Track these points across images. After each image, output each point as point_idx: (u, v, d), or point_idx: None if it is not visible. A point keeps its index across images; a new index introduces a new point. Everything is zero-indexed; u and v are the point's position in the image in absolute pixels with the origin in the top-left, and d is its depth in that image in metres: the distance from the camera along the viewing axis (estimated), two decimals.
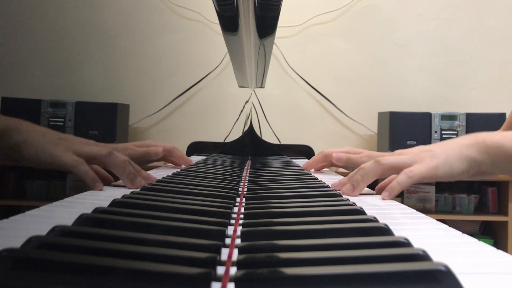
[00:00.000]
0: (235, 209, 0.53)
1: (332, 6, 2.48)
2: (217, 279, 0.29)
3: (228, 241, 0.39)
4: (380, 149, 2.33)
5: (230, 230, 0.43)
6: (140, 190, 0.61)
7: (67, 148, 0.63)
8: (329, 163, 1.04)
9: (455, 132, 2.14)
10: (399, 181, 0.61)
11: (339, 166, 1.07)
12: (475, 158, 0.65)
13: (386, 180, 0.72)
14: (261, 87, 1.51)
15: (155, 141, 0.99)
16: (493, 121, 2.12)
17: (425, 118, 2.16)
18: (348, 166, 0.97)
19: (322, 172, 1.09)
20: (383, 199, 0.65)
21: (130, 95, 2.47)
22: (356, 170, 0.70)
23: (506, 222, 2.12)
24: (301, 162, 1.26)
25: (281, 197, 0.61)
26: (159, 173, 0.88)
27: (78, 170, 0.61)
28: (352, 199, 0.62)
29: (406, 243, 0.34)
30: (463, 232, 0.43)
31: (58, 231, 0.34)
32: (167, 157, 1.02)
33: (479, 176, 0.70)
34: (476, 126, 2.13)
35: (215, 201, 0.53)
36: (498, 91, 2.47)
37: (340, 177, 0.98)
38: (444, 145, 0.66)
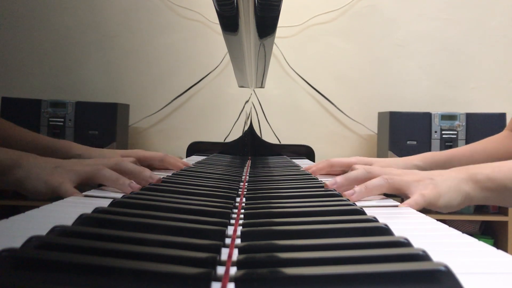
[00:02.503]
0: (235, 209, 0.53)
1: (332, 6, 2.47)
2: (217, 279, 0.29)
3: (228, 241, 0.39)
4: (380, 149, 2.33)
5: (230, 230, 0.43)
6: (140, 190, 0.61)
7: (61, 175, 0.66)
8: (334, 172, 1.00)
9: (455, 132, 2.13)
10: (417, 201, 0.63)
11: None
12: (469, 193, 0.67)
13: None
14: (261, 87, 1.51)
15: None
16: (493, 121, 2.12)
17: (425, 118, 2.16)
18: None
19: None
20: None
21: (130, 95, 2.47)
22: (356, 173, 0.70)
23: (506, 222, 2.12)
24: (301, 162, 1.26)
25: (281, 197, 0.61)
26: (159, 174, 0.88)
27: (60, 190, 0.63)
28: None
29: (406, 243, 0.34)
30: (463, 232, 0.43)
31: (58, 231, 0.34)
32: (159, 166, 1.01)
33: None
34: (476, 126, 2.13)
35: (215, 201, 0.53)
36: (498, 91, 2.47)
37: None
38: (443, 175, 0.68)
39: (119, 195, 0.54)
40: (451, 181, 0.67)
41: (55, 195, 0.65)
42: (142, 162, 0.97)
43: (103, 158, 0.81)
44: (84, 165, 0.69)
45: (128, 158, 0.84)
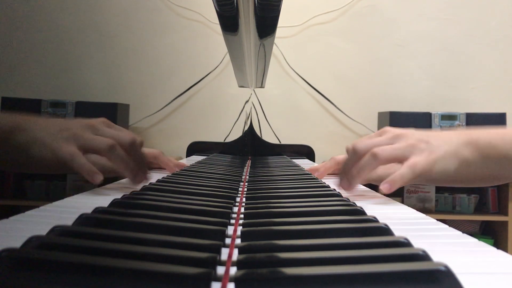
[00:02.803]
0: (235, 209, 0.53)
1: (332, 6, 2.47)
2: (217, 279, 0.29)
3: (228, 241, 0.39)
4: None
5: (230, 230, 0.43)
6: (140, 190, 0.61)
7: (67, 139, 0.61)
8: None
9: None
10: (403, 174, 0.58)
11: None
12: (467, 158, 0.63)
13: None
14: (261, 87, 1.51)
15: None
16: (493, 121, 2.12)
17: (425, 118, 2.16)
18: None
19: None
20: (383, 191, 0.61)
21: (130, 95, 2.47)
22: (346, 160, 0.67)
23: (506, 222, 2.12)
24: (301, 162, 1.26)
25: (281, 197, 0.61)
26: (159, 173, 0.88)
27: (73, 164, 0.59)
28: (351, 198, 0.62)
29: (406, 243, 0.34)
30: (463, 232, 0.43)
31: (58, 231, 0.34)
32: (153, 164, 0.95)
33: (460, 183, 0.68)
34: (476, 126, 2.13)
35: (215, 201, 0.53)
36: (498, 91, 2.47)
37: None
38: (440, 138, 0.63)
39: (119, 195, 0.54)
40: (449, 145, 0.62)
41: (55, 160, 0.60)
42: None
43: (120, 130, 0.70)
44: (97, 133, 0.64)
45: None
